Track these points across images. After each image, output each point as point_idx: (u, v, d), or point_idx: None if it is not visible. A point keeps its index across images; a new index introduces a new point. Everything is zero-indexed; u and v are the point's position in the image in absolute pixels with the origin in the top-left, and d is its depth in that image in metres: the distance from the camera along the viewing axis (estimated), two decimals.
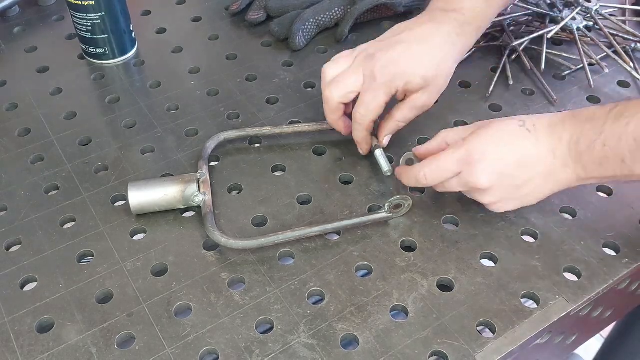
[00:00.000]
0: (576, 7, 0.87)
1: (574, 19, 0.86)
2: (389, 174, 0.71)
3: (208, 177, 0.70)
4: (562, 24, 0.85)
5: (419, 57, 0.69)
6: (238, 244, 0.64)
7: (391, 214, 0.67)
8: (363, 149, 0.73)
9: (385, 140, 0.73)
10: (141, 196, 0.67)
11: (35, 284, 0.63)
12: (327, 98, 0.71)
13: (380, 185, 0.71)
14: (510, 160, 0.61)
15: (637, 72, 0.84)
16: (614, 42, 0.85)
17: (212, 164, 0.74)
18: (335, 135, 0.76)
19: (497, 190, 0.62)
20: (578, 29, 0.86)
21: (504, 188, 0.62)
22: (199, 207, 0.68)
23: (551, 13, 0.88)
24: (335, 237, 0.67)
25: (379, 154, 0.72)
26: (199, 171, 0.70)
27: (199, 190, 0.68)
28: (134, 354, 0.57)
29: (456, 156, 0.62)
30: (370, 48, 0.70)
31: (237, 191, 0.72)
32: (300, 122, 0.78)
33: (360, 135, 0.72)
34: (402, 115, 0.71)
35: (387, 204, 0.66)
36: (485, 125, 0.63)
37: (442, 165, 0.63)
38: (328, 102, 0.71)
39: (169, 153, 0.76)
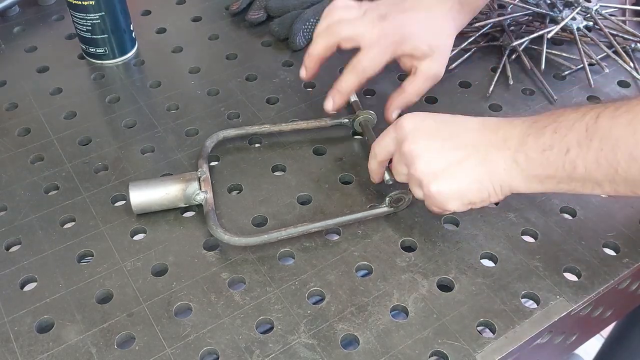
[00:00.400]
0: (576, 7, 0.87)
1: (573, 19, 0.86)
2: (390, 182, 0.69)
3: (209, 176, 0.70)
4: (562, 24, 0.85)
5: (426, 25, 0.70)
6: (241, 240, 0.64)
7: (392, 209, 0.67)
8: (335, 103, 0.74)
9: (394, 114, 0.74)
10: (142, 196, 0.67)
11: (35, 284, 0.63)
12: (332, 32, 0.71)
13: (381, 185, 0.71)
14: (442, 126, 0.62)
15: (637, 72, 0.84)
16: (614, 42, 0.85)
17: (212, 163, 0.74)
18: (335, 133, 0.76)
19: (427, 162, 0.61)
20: (578, 29, 0.86)
21: (436, 149, 0.61)
22: (199, 206, 0.68)
23: (551, 13, 0.88)
24: (336, 237, 0.67)
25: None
26: (199, 169, 0.70)
27: (200, 188, 0.68)
28: (134, 354, 0.57)
29: (391, 133, 0.64)
30: (381, 7, 0.71)
31: (237, 191, 0.72)
32: (298, 120, 0.78)
33: (348, 86, 0.72)
34: (415, 87, 0.72)
35: (387, 198, 0.66)
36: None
37: (382, 141, 0.65)
38: (330, 36, 0.71)
39: (169, 153, 0.76)
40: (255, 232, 0.67)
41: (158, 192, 0.67)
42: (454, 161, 0.59)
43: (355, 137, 0.77)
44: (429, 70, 0.72)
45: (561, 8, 0.88)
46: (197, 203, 0.68)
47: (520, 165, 0.57)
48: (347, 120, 0.76)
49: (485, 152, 0.59)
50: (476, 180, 0.59)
